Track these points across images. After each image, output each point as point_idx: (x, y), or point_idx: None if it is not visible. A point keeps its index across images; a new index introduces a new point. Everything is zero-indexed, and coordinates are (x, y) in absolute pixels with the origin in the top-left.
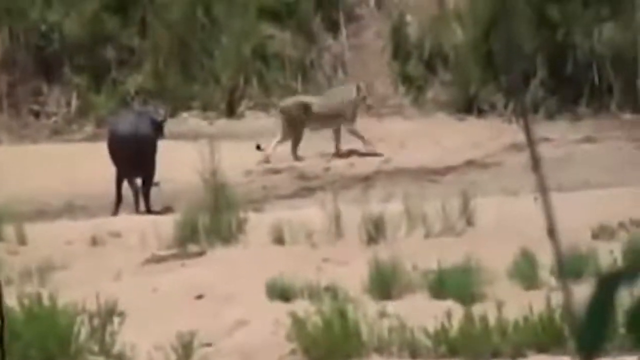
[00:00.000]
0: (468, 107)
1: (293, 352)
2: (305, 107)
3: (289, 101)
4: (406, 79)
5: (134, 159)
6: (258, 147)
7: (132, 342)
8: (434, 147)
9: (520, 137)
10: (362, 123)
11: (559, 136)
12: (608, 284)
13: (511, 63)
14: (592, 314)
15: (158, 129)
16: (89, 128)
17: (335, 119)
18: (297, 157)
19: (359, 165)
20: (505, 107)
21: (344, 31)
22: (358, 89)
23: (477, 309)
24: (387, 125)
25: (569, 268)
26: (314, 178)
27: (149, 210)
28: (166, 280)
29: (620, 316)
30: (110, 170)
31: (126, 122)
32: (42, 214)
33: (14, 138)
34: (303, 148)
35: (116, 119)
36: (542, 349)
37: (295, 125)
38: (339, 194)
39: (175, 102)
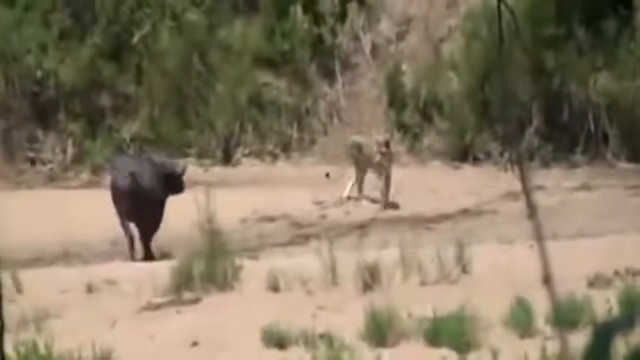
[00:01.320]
0: (463, 155)
1: None
2: (359, 147)
3: (350, 140)
4: (402, 127)
5: (132, 210)
6: (327, 175)
7: None
8: (429, 194)
9: (516, 185)
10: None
11: (555, 184)
12: (604, 332)
13: (507, 111)
14: None
15: (176, 182)
16: (85, 175)
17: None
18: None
19: (354, 213)
20: (501, 155)
21: (339, 79)
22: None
23: (472, 357)
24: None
25: (564, 316)
26: (309, 226)
27: (147, 257)
28: (162, 328)
29: None
30: (106, 217)
31: (135, 176)
32: (38, 260)
33: (9, 185)
34: (298, 196)
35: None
36: None
37: (356, 163)
38: (335, 241)
39: (171, 149)
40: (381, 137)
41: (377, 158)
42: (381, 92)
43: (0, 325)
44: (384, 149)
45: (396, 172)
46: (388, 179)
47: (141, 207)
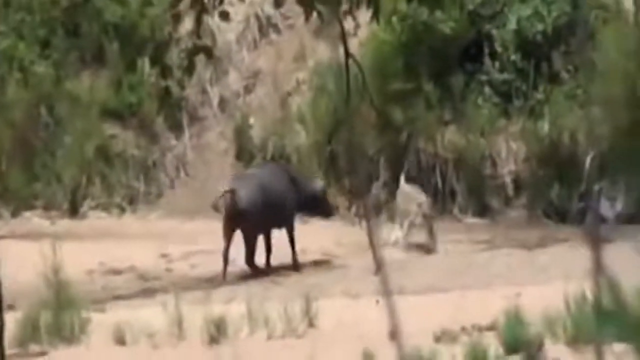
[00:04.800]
0: None
1: None
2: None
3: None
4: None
5: None
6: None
7: None
8: (278, 248)
9: (364, 239)
10: (205, 225)
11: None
12: None
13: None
14: None
15: None
16: None
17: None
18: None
19: (201, 267)
20: (349, 209)
21: (187, 132)
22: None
23: None
24: None
25: None
26: (155, 279)
27: None
28: None
29: None
30: None
31: None
32: None
33: None
34: (144, 249)
35: None
36: None
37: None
38: (181, 295)
39: (18, 201)
40: None
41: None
42: (229, 145)
43: (0, 325)
44: None
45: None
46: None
47: None
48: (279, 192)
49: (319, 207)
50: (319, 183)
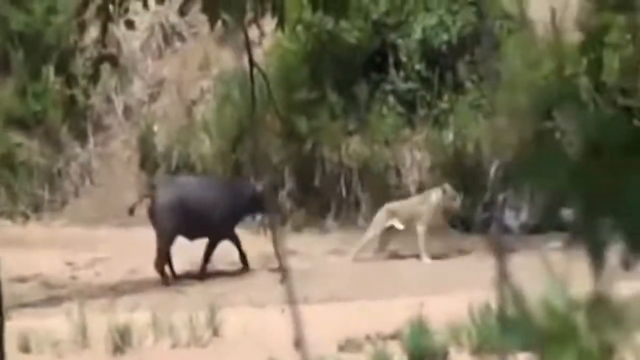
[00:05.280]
0: None
1: None
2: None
3: None
4: (154, 189)
5: None
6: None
7: None
8: (183, 256)
9: (269, 249)
10: (109, 233)
11: (306, 249)
12: None
13: (259, 174)
14: None
15: None
16: None
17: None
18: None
19: (105, 275)
20: (253, 218)
21: (91, 140)
22: (444, 191)
23: None
24: (135, 235)
25: None
26: (60, 287)
27: None
28: None
29: None
30: None
31: None
32: None
33: None
34: (49, 257)
35: None
36: None
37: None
38: (86, 303)
39: None
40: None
41: None
42: (133, 153)
43: (0, 325)
44: None
45: (148, 234)
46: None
47: None
48: (204, 202)
49: (262, 206)
50: (259, 184)
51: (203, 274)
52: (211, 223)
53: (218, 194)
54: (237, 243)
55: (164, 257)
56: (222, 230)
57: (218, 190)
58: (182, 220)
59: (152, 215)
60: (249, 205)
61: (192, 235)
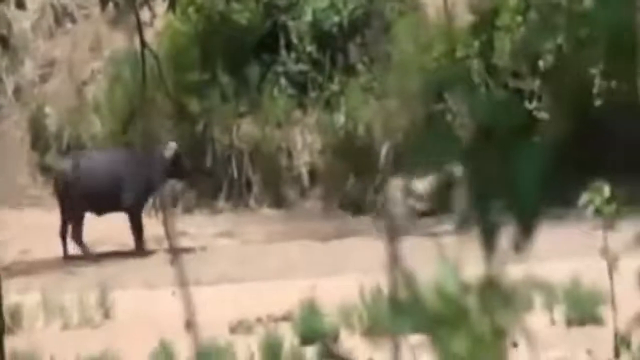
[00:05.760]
0: None
1: None
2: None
3: None
4: (45, 170)
5: None
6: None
7: None
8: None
9: (160, 230)
10: (2, 214)
11: (198, 230)
12: None
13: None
14: None
15: None
16: None
17: None
18: None
19: None
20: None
21: None
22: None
23: None
24: (26, 216)
25: None
26: None
27: None
28: None
29: None
30: None
31: None
32: None
33: None
34: None
35: None
36: None
37: None
38: None
39: None
40: None
41: None
42: (24, 134)
43: (0, 325)
44: None
45: (39, 215)
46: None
47: None
48: (111, 176)
49: (174, 171)
50: (170, 148)
51: (140, 250)
52: (122, 196)
53: (126, 166)
54: (138, 222)
55: (77, 230)
56: (135, 203)
57: (126, 163)
58: (89, 195)
59: (59, 192)
60: (162, 173)
61: (100, 210)
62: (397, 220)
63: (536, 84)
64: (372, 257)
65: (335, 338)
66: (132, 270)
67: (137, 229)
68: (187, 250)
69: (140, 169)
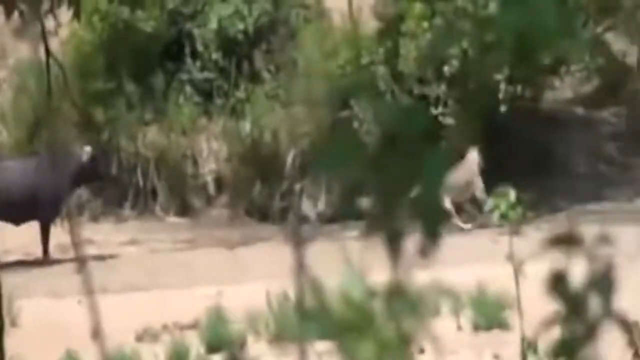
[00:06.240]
0: None
1: None
2: None
3: None
4: None
5: None
6: None
7: None
8: None
9: (66, 239)
10: None
11: (104, 238)
12: None
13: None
14: None
15: None
16: None
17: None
18: None
19: None
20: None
21: None
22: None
23: None
24: None
25: None
26: None
27: None
28: None
29: None
30: None
31: None
32: None
33: None
34: None
35: None
36: None
37: None
38: None
39: None
40: None
41: None
42: None
43: (0, 325)
44: None
45: None
46: None
47: None
48: (25, 184)
49: (88, 176)
50: (86, 152)
51: (45, 259)
52: (38, 205)
53: (41, 174)
54: (48, 230)
55: None
56: (51, 211)
57: (41, 171)
58: (4, 205)
59: None
60: (77, 178)
61: (17, 220)
62: (303, 227)
63: (442, 89)
64: (279, 263)
65: (242, 345)
66: (38, 279)
67: (46, 237)
68: (94, 258)
69: (55, 176)
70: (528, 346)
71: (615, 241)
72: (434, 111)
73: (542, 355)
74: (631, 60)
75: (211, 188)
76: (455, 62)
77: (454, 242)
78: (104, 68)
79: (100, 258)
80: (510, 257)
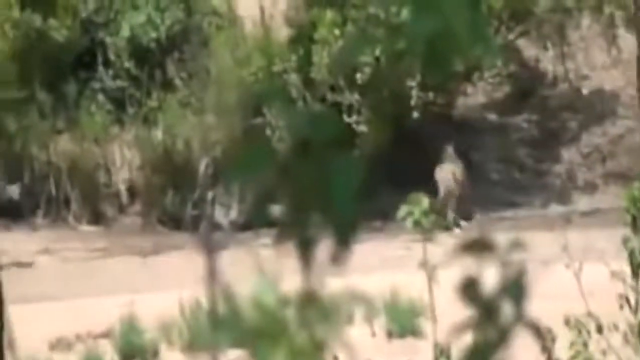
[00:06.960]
0: None
1: None
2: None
3: None
4: None
5: None
6: None
7: None
8: None
9: None
10: None
11: (16, 247)
12: None
13: None
14: None
15: None
16: None
17: None
18: None
19: None
20: None
21: None
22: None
23: None
24: None
25: None
26: None
27: None
28: None
29: None
30: None
31: None
32: None
33: None
34: None
35: None
36: None
37: None
38: None
39: None
40: None
41: None
42: None
43: (0, 325)
44: None
45: None
46: None
47: None
48: None
49: None
50: None
51: None
52: None
53: None
54: None
55: None
56: None
57: None
58: None
59: None
60: None
61: None
62: (216, 235)
63: (354, 97)
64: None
65: (155, 353)
66: None
67: None
68: (6, 267)
69: None
70: (441, 353)
71: (528, 247)
72: (347, 119)
73: None
74: (543, 66)
75: (124, 196)
76: (367, 70)
77: (367, 248)
78: (16, 76)
79: (13, 267)
80: (424, 264)
